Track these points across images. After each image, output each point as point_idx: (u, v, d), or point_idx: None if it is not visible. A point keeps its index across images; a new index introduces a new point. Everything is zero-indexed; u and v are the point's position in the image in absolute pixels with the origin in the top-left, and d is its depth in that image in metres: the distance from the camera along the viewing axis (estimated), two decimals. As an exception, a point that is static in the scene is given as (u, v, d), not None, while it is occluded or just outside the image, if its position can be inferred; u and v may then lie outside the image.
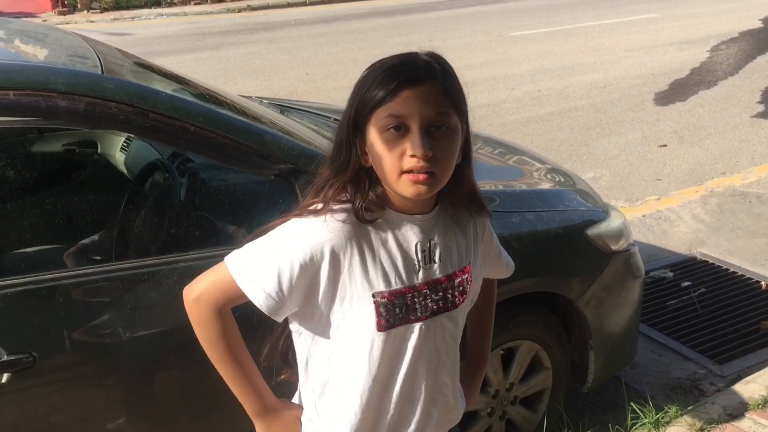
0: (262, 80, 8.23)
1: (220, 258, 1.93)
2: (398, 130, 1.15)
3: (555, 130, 6.44)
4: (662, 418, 2.63)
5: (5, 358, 1.61)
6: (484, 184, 2.64)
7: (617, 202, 4.87)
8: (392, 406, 1.34)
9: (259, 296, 1.24)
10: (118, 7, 14.05)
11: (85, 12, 13.64)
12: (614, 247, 2.60)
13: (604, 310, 2.60)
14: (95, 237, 2.30)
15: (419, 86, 1.16)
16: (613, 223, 2.64)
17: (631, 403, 2.70)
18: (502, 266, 1.60)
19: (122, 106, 1.77)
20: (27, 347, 1.65)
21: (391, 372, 1.31)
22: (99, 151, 2.99)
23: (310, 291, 1.25)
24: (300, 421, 1.39)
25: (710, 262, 4.10)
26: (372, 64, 1.22)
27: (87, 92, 1.74)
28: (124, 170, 2.83)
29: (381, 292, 1.25)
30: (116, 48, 2.55)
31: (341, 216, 1.23)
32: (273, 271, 1.23)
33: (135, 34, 11.40)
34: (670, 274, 3.95)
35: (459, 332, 1.39)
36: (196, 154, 2.20)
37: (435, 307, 1.31)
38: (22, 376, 1.65)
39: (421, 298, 1.29)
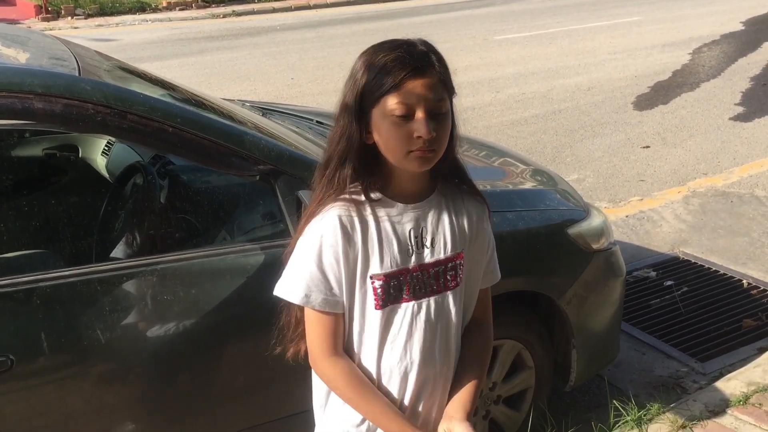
0: (247, 85, 8.21)
1: (199, 258, 1.93)
2: (404, 114, 1.31)
3: (539, 133, 6.47)
4: (644, 415, 2.65)
5: (-18, 361, 1.60)
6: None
7: (600, 203, 4.89)
8: (386, 380, 1.44)
9: (320, 303, 1.38)
10: (102, 13, 13.92)
11: (69, 18, 13.50)
12: (595, 246, 2.61)
13: (585, 309, 2.61)
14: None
15: (423, 77, 1.31)
16: (593, 222, 2.66)
17: (614, 401, 2.71)
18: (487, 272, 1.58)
19: (99, 107, 1.76)
20: (4, 350, 1.64)
21: (385, 347, 1.43)
22: (80, 155, 2.97)
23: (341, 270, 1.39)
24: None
25: (692, 261, 4.13)
26: (371, 50, 1.35)
27: (64, 94, 1.74)
28: (106, 174, 2.82)
29: (377, 274, 1.39)
30: (95, 50, 2.54)
31: (350, 196, 1.38)
32: (317, 276, 1.37)
33: (120, 40, 11.35)
34: (653, 274, 3.98)
35: (452, 316, 1.47)
36: (176, 156, 2.19)
37: (426, 288, 1.44)
38: (0, 379, 1.64)
39: (412, 281, 1.42)
